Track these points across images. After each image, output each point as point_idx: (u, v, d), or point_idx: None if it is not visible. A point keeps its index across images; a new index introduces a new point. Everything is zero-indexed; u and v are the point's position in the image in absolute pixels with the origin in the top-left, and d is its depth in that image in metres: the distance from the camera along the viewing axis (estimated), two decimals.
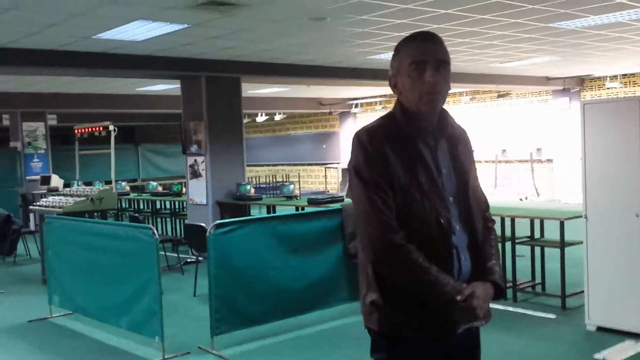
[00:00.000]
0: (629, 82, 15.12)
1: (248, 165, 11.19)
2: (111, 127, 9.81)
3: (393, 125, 2.19)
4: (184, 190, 11.45)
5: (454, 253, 2.15)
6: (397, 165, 2.11)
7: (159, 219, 12.62)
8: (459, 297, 2.05)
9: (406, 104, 2.19)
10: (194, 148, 10.38)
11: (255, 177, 21.02)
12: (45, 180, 14.19)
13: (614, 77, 15.04)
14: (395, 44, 2.28)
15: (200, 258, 7.81)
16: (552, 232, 7.04)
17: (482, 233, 2.27)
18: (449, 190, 2.18)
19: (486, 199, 2.37)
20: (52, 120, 15.73)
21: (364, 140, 2.14)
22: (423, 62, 2.13)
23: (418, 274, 2.05)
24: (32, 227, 12.91)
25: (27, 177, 14.91)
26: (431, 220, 2.12)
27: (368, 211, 2.09)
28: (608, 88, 15.18)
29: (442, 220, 2.13)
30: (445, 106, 2.24)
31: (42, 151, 15.18)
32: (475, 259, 2.21)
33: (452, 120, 2.28)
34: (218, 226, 5.57)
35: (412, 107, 2.17)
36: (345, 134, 21.22)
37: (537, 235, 7.18)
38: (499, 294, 2.19)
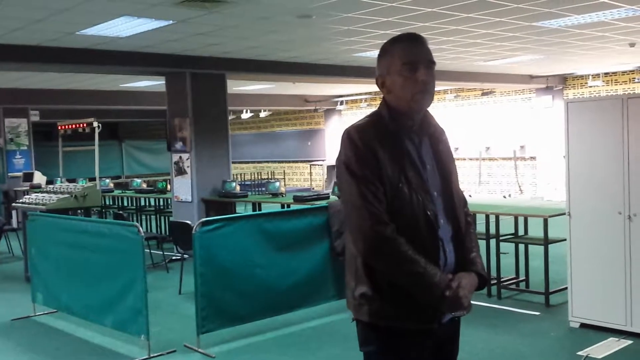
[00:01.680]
0: (611, 80, 15.27)
1: (233, 162, 11.15)
2: (95, 124, 9.73)
3: (381, 123, 2.26)
4: (168, 187, 11.40)
5: (440, 245, 2.24)
6: (386, 161, 2.18)
7: (143, 216, 12.56)
8: (446, 288, 2.13)
9: (394, 103, 2.28)
10: (179, 145, 10.34)
11: (240, 174, 20.99)
12: (28, 177, 14.07)
13: (596, 76, 15.18)
14: (381, 42, 2.34)
15: (186, 256, 7.79)
16: (535, 230, 7.10)
17: (464, 225, 2.36)
18: (434, 185, 2.28)
19: (464, 197, 2.48)
20: (35, 117, 15.59)
21: (354, 137, 2.20)
22: (415, 62, 2.23)
23: (408, 265, 2.13)
24: (14, 224, 12.79)
25: (9, 174, 14.78)
26: (419, 214, 2.20)
27: (359, 205, 2.15)
28: (590, 86, 15.32)
29: (429, 214, 2.22)
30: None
31: (25, 147, 15.04)
32: (458, 251, 2.30)
33: (433, 120, 2.39)
34: (204, 224, 5.56)
35: (402, 105, 2.26)
36: (331, 131, 21.24)
37: (521, 232, 7.24)
38: (481, 284, 2.30)
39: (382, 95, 2.33)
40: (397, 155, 2.21)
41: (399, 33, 2.33)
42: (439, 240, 2.24)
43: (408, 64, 2.22)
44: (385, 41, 2.34)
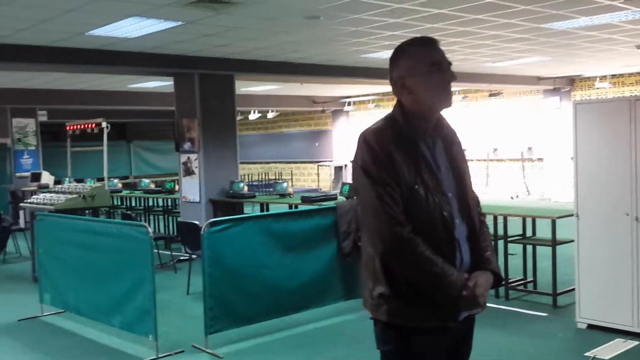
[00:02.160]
0: (618, 82, 15.23)
1: (240, 163, 11.18)
2: (104, 124, 9.76)
3: (396, 126, 2.31)
4: (176, 187, 11.43)
5: (456, 245, 2.29)
6: (402, 163, 2.23)
7: (151, 217, 12.60)
8: (463, 287, 2.19)
9: (413, 105, 2.31)
10: (187, 145, 10.36)
11: (248, 175, 21.01)
12: (36, 177, 14.12)
13: (603, 78, 15.14)
14: (389, 43, 2.38)
15: (194, 256, 7.81)
16: (543, 231, 7.09)
17: (478, 225, 2.41)
18: (448, 186, 2.33)
19: (478, 197, 2.52)
20: (43, 117, 15.65)
21: (371, 140, 2.25)
22: (441, 63, 2.29)
23: (425, 265, 2.18)
24: (22, 224, 12.84)
25: (17, 174, 14.84)
26: (436, 215, 2.25)
27: (377, 207, 2.19)
28: (598, 88, 15.28)
29: (445, 215, 2.27)
30: None
31: (33, 148, 15.11)
32: (473, 250, 2.35)
33: (446, 122, 2.44)
34: (212, 224, 5.57)
35: (424, 106, 2.31)
36: (338, 132, 21.24)
37: (529, 233, 7.22)
38: (497, 282, 2.35)
39: (389, 96, 2.40)
40: (413, 157, 2.25)
41: (407, 34, 2.36)
42: (455, 240, 2.28)
43: (435, 64, 2.27)
44: (393, 42, 2.36)
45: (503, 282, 2.44)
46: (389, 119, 2.34)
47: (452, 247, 2.27)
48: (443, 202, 2.27)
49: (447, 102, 2.32)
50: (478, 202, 2.48)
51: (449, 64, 2.30)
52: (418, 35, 2.39)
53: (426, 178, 2.25)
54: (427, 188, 2.24)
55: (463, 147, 2.48)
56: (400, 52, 2.34)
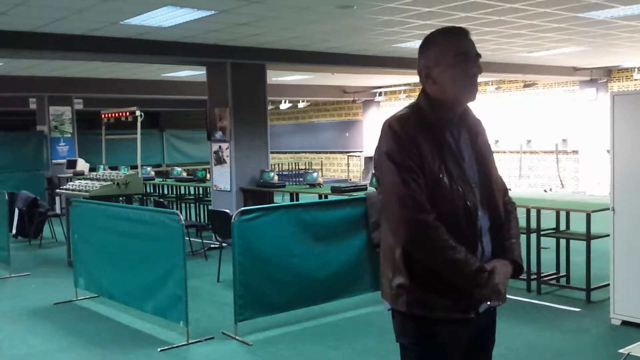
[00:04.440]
0: None
1: (271, 152, 11.21)
2: (138, 113, 9.86)
3: (421, 114, 2.28)
4: (208, 176, 11.51)
5: (477, 236, 2.26)
6: (428, 152, 2.20)
7: (183, 205, 12.72)
8: (484, 274, 2.17)
9: (438, 95, 2.28)
10: (218, 134, 10.42)
11: (278, 164, 21.07)
12: (71, 164, 14.36)
13: None
14: (422, 32, 2.35)
15: (224, 244, 7.86)
16: (577, 225, 6.98)
17: (503, 216, 2.37)
18: (472, 176, 2.29)
19: (505, 186, 2.47)
20: (79, 105, 15.88)
21: (396, 127, 2.22)
22: (467, 54, 2.25)
23: (448, 252, 2.15)
24: (57, 210, 13.08)
25: (53, 161, 15.09)
26: (459, 204, 2.22)
27: (402, 193, 2.17)
28: (636, 79, 14.94)
29: (469, 204, 2.24)
30: None
31: (69, 135, 15.34)
32: (495, 242, 2.32)
33: (472, 112, 2.41)
34: (243, 213, 5.60)
35: (448, 97, 2.27)
36: (369, 122, 21.16)
37: (562, 227, 7.12)
38: (517, 272, 2.31)
39: (420, 87, 2.34)
40: (438, 146, 2.23)
41: (440, 23, 2.33)
42: (477, 230, 2.25)
43: (461, 55, 2.24)
44: (426, 32, 2.33)
45: (522, 271, 2.37)
46: (414, 107, 2.32)
47: (474, 237, 2.24)
48: (467, 192, 2.24)
49: (472, 95, 2.29)
50: (505, 191, 2.45)
51: (478, 55, 2.27)
52: (450, 25, 2.35)
53: (450, 167, 2.22)
54: (451, 177, 2.22)
55: (491, 138, 2.46)
56: (428, 41, 2.31)
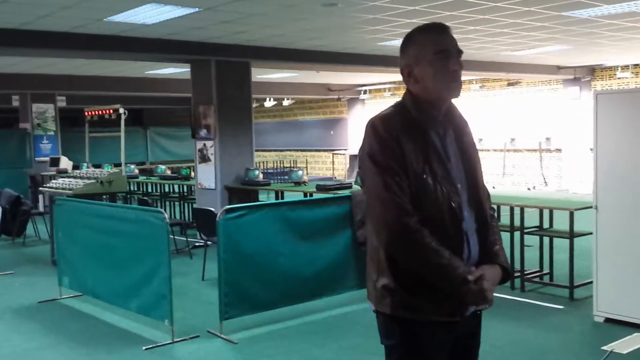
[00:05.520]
0: None
1: (256, 150, 11.19)
2: (121, 110, 9.81)
3: (405, 113, 2.25)
4: (192, 174, 11.47)
5: (464, 237, 2.22)
6: (411, 152, 2.16)
7: (167, 203, 12.66)
8: (470, 279, 2.12)
9: (421, 93, 2.25)
10: (203, 132, 10.39)
11: (263, 162, 21.04)
12: (55, 162, 14.25)
13: (625, 67, 14.93)
14: (407, 31, 2.32)
15: (209, 242, 7.84)
16: (560, 223, 7.03)
17: (489, 216, 2.34)
18: (458, 177, 2.25)
19: (488, 190, 2.45)
20: (62, 102, 15.76)
21: (379, 127, 2.19)
22: (447, 51, 2.21)
23: (431, 257, 2.11)
24: (41, 208, 12.97)
25: (36, 159, 14.98)
26: (444, 206, 2.18)
27: (384, 195, 2.13)
28: (619, 78, 15.08)
29: (453, 205, 2.20)
30: None
31: (52, 133, 15.23)
32: (482, 244, 2.28)
33: (457, 111, 2.36)
34: (228, 211, 5.59)
35: (431, 95, 2.24)
36: (354, 120, 21.18)
37: (546, 225, 7.17)
38: (505, 277, 2.28)
39: (406, 87, 2.31)
40: (422, 146, 2.19)
41: (425, 22, 2.31)
42: (463, 232, 2.21)
43: (440, 52, 2.20)
44: (409, 30, 2.31)
45: (512, 277, 2.36)
46: (398, 105, 2.28)
47: (459, 239, 2.20)
48: (452, 193, 2.20)
49: (455, 91, 2.24)
50: (488, 195, 2.42)
51: (459, 52, 2.23)
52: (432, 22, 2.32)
53: (435, 167, 2.19)
54: (436, 178, 2.18)
55: (475, 137, 2.42)
56: (408, 39, 2.28)
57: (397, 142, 2.15)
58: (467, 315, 2.25)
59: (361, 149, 2.25)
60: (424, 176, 2.16)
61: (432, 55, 2.20)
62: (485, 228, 2.30)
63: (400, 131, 2.17)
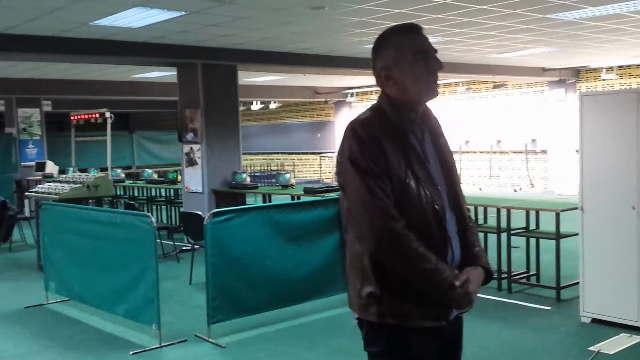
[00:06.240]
0: (625, 73, 15.15)
1: (243, 154, 11.17)
2: (107, 114, 9.77)
3: (384, 117, 2.21)
4: (179, 178, 11.44)
5: (447, 240, 2.20)
6: (393, 156, 2.13)
7: (154, 207, 12.62)
8: (457, 283, 2.11)
9: (399, 96, 2.22)
10: (189, 136, 10.36)
11: (250, 166, 21.02)
12: (40, 167, 14.15)
13: (610, 69, 15.06)
14: None
15: (196, 246, 7.82)
16: (546, 224, 7.08)
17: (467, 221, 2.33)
18: (438, 179, 2.23)
19: (462, 192, 2.44)
20: (47, 107, 15.66)
21: (360, 131, 2.14)
22: (427, 52, 2.20)
23: (419, 262, 2.09)
24: (27, 213, 12.88)
25: (22, 163, 14.87)
26: (427, 209, 2.15)
27: (368, 200, 2.09)
28: (604, 80, 15.21)
29: (437, 208, 2.17)
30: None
31: (37, 137, 15.13)
32: (463, 246, 2.26)
33: (432, 113, 2.34)
34: (215, 214, 5.57)
35: (411, 97, 2.21)
36: (341, 123, 21.19)
37: (532, 226, 7.21)
38: (487, 278, 2.27)
39: (382, 90, 2.27)
40: (403, 149, 2.16)
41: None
42: (447, 235, 2.20)
43: (420, 53, 2.18)
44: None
45: (492, 278, 2.34)
46: (377, 109, 2.24)
47: (444, 242, 2.18)
48: (435, 196, 2.17)
49: (434, 92, 2.22)
50: (464, 196, 2.40)
51: (435, 51, 2.21)
52: (407, 23, 2.27)
53: (417, 170, 2.16)
54: (418, 181, 2.15)
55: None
56: (383, 41, 2.24)
57: (379, 146, 2.12)
58: (451, 319, 2.24)
59: (340, 153, 2.19)
60: (407, 180, 2.13)
61: (412, 57, 2.17)
62: (465, 230, 2.28)
63: (381, 135, 2.13)
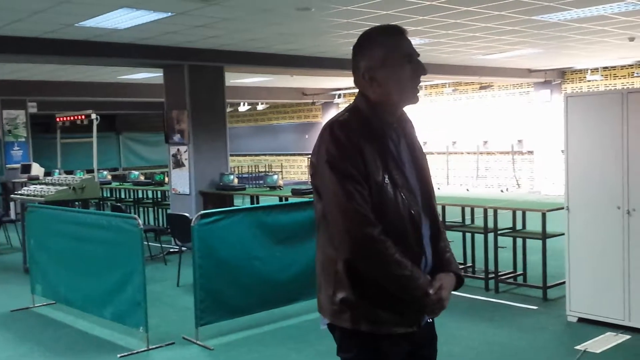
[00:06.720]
0: (610, 74, 15.28)
1: (230, 155, 11.17)
2: (93, 116, 9.72)
3: (362, 119, 2.15)
4: (166, 179, 11.40)
5: (422, 246, 2.18)
6: (371, 159, 2.08)
7: (141, 209, 12.56)
8: (431, 290, 2.10)
9: (380, 98, 2.16)
10: (176, 137, 10.33)
11: (238, 167, 20.98)
12: (26, 169, 14.04)
13: (594, 70, 15.19)
14: None
15: (184, 248, 7.79)
16: (533, 224, 7.12)
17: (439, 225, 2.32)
18: (413, 184, 2.20)
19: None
20: (33, 108, 15.56)
21: (338, 133, 2.08)
22: (412, 55, 2.17)
23: (395, 268, 2.06)
24: (12, 215, 12.78)
25: (7, 166, 14.76)
26: (404, 214, 2.13)
27: (345, 205, 2.04)
28: (589, 81, 15.33)
29: (413, 213, 2.15)
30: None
31: (23, 139, 15.02)
32: (434, 251, 2.25)
33: (407, 116, 2.30)
34: (203, 216, 5.55)
35: (393, 100, 2.17)
36: None
37: (519, 226, 7.25)
38: (458, 284, 2.26)
39: (360, 92, 2.22)
40: (380, 152, 2.11)
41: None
42: (422, 240, 2.18)
43: (407, 56, 2.15)
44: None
45: (463, 283, 2.33)
46: (355, 110, 2.18)
47: (419, 247, 2.16)
48: (411, 201, 2.14)
49: (415, 98, 2.18)
50: (436, 201, 2.37)
51: (418, 55, 2.18)
52: (391, 24, 2.23)
53: (394, 175, 2.12)
54: (396, 185, 2.11)
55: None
56: (368, 41, 2.18)
57: (358, 149, 2.06)
58: (422, 325, 2.23)
59: (316, 155, 2.13)
60: (385, 184, 2.09)
61: (400, 59, 2.14)
62: (437, 235, 2.26)
63: (360, 137, 2.08)
